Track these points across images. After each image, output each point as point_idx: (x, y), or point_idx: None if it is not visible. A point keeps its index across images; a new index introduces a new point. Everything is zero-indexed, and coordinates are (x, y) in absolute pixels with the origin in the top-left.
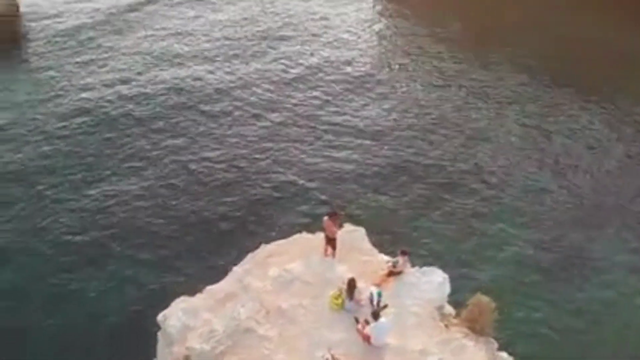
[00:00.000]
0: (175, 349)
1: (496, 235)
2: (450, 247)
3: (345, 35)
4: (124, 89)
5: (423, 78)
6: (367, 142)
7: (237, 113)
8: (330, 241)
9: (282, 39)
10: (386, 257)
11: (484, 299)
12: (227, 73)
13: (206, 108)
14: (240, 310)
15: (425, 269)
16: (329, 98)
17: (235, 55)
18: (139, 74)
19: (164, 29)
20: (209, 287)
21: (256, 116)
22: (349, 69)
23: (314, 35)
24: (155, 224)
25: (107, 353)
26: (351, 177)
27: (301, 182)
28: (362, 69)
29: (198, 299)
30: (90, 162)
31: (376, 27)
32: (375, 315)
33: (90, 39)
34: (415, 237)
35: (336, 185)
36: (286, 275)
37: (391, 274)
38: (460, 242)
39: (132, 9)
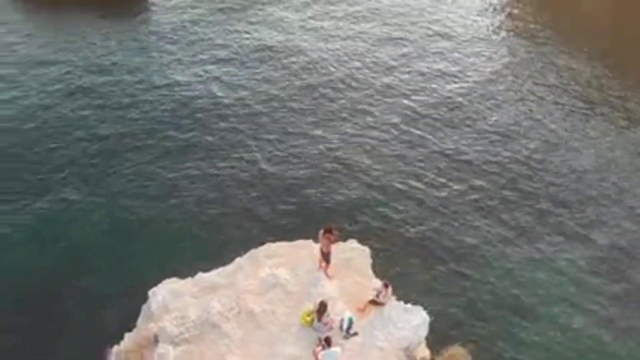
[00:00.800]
0: (150, 325)
1: (543, 286)
2: (477, 290)
3: (461, 45)
4: (223, 74)
5: (536, 106)
6: (443, 165)
7: (322, 113)
8: (324, 255)
9: (394, 41)
10: (380, 284)
11: (460, 350)
12: (324, 70)
13: (295, 104)
14: (215, 304)
15: (409, 306)
16: (421, 110)
17: (338, 54)
18: (240, 61)
19: (281, 18)
20: (200, 274)
21: (340, 118)
22: (455, 82)
23: (427, 41)
24: (201, 201)
25: (92, 317)
26: (411, 198)
27: (359, 192)
28: (469, 84)
29: (186, 283)
30: (168, 137)
31: (499, 37)
32: (328, 342)
33: (210, 17)
34: (441, 272)
35: (391, 203)
36: (271, 279)
37: (374, 302)
38: (492, 288)
39: None
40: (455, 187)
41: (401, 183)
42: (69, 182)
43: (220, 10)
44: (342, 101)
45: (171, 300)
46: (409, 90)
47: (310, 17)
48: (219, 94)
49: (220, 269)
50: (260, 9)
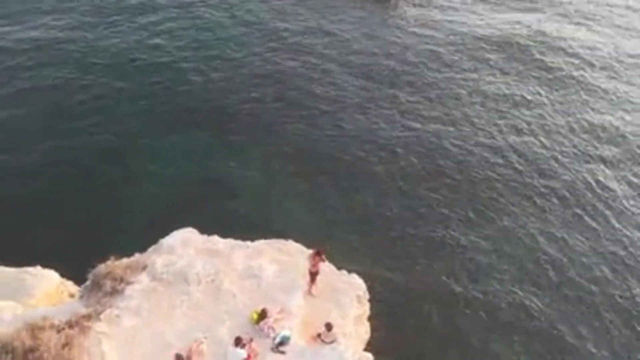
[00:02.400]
0: (152, 256)
1: None
2: None
3: None
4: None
5: None
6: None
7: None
8: (311, 275)
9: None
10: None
11: None
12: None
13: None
14: (198, 265)
15: (347, 356)
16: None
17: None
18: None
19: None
20: (215, 236)
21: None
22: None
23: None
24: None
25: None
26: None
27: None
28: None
29: (200, 238)
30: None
31: None
32: (237, 342)
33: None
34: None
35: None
36: (255, 269)
37: (319, 337)
38: None
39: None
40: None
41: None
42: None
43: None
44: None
45: (178, 246)
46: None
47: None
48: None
49: (233, 241)
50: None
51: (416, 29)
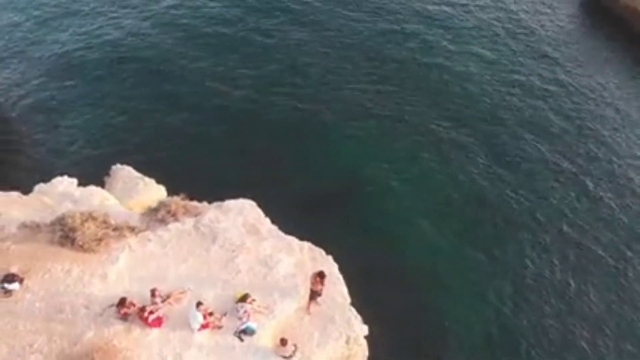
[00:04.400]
0: (211, 209)
1: None
2: None
3: None
4: None
5: None
6: None
7: None
8: (311, 293)
9: None
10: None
11: None
12: None
13: None
14: (231, 232)
15: None
16: None
17: None
18: None
19: None
20: (267, 220)
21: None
22: None
23: None
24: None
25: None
26: None
27: None
28: None
29: (255, 212)
30: None
31: None
32: (197, 305)
33: None
34: None
35: None
36: (272, 261)
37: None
38: None
39: None
40: None
41: None
42: None
43: None
44: None
45: (234, 211)
46: None
47: None
48: None
49: (278, 231)
50: None
51: None
